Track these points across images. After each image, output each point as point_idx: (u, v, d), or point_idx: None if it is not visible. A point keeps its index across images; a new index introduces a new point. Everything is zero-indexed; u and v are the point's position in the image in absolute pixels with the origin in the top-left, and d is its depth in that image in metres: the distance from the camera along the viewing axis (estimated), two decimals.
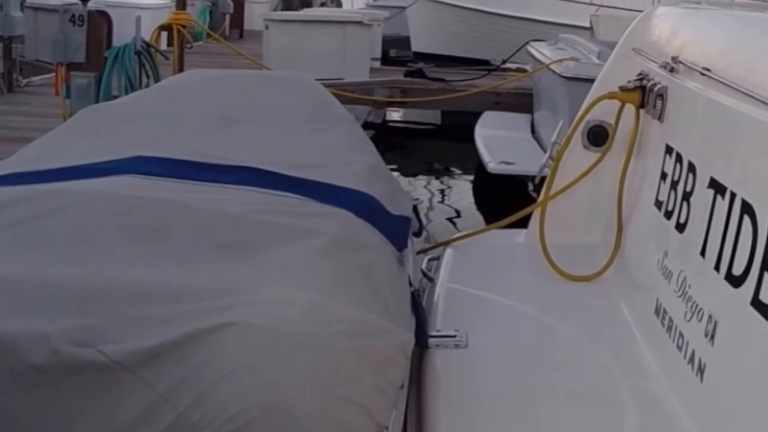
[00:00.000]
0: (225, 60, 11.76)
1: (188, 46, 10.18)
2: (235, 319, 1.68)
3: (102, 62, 7.94)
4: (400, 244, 2.71)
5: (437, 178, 10.87)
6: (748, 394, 1.97)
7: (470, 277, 3.27)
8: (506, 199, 7.44)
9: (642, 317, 2.69)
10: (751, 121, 2.21)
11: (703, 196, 2.44)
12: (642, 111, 3.16)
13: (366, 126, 10.65)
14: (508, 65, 12.91)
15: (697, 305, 2.30)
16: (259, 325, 1.68)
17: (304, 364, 1.65)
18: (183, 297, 1.78)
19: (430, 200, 9.71)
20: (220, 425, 1.53)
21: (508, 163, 8.30)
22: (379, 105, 12.07)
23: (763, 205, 2.06)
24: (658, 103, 3.00)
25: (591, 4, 14.67)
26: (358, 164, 2.90)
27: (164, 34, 10.53)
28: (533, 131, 10.21)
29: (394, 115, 14.31)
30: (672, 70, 2.92)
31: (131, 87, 7.74)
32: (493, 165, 8.33)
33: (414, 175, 10.62)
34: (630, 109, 3.20)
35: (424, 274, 3.36)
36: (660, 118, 3.01)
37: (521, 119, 10.70)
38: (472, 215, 9.17)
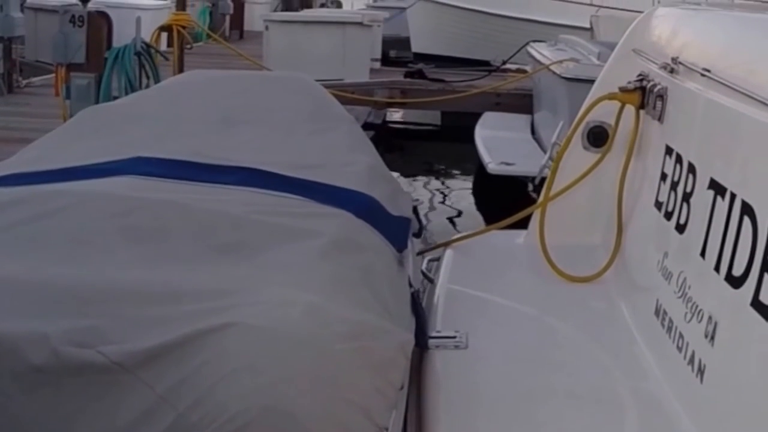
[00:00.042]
0: (225, 61, 11.76)
1: (188, 46, 10.18)
2: (235, 320, 1.68)
3: (102, 63, 7.95)
4: (400, 245, 2.71)
5: (437, 178, 10.88)
6: (748, 395, 1.97)
7: (470, 278, 3.27)
8: (506, 199, 7.44)
9: (642, 318, 2.69)
10: (751, 122, 2.21)
11: (703, 197, 2.44)
12: (642, 112, 3.16)
13: (366, 127, 10.64)
14: (508, 66, 12.93)
15: (697, 306, 2.30)
16: (258, 326, 1.68)
17: (304, 365, 1.65)
18: (183, 298, 1.78)
19: (430, 201, 9.71)
20: (220, 426, 1.53)
21: (508, 164, 8.31)
22: (379, 106, 12.08)
23: (763, 206, 2.05)
24: (658, 103, 3.00)
25: (591, 4, 14.67)
26: (358, 165, 2.90)
27: (164, 35, 10.54)
28: (533, 132, 10.21)
29: (394, 115, 14.31)
30: (672, 70, 2.92)
31: (131, 88, 7.75)
32: (493, 166, 8.33)
33: (414, 176, 10.63)
34: (630, 109, 3.20)
35: (424, 275, 3.35)
36: (660, 118, 3.01)
37: (521, 120, 10.71)
38: (472, 216, 9.18)
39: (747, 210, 2.12)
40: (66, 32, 8.00)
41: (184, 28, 9.99)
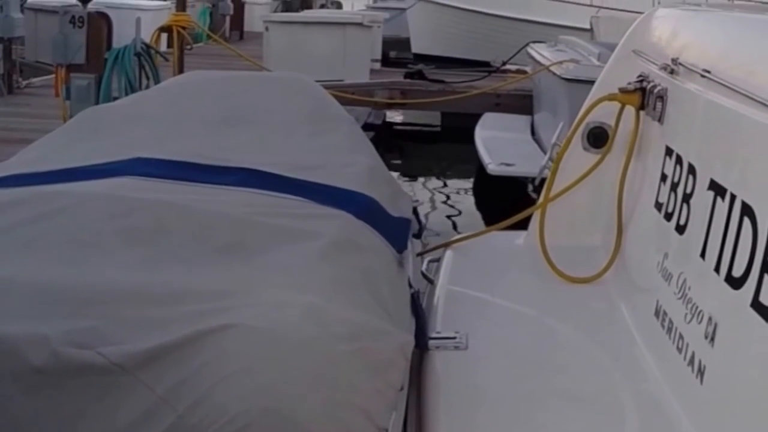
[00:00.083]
0: (225, 61, 11.75)
1: (188, 47, 10.17)
2: (235, 321, 1.68)
3: (102, 64, 7.94)
4: (400, 246, 2.71)
5: (437, 179, 10.87)
6: (748, 396, 1.97)
7: (470, 279, 3.27)
8: (506, 200, 7.45)
9: (642, 319, 2.69)
10: (751, 123, 2.21)
11: (703, 197, 2.44)
12: (642, 113, 3.16)
13: (366, 127, 10.62)
14: (508, 67, 12.92)
15: (697, 307, 2.30)
16: (258, 328, 1.68)
17: (304, 367, 1.65)
18: (182, 299, 1.78)
19: (430, 201, 9.70)
20: (220, 427, 1.53)
21: (508, 165, 8.30)
22: (379, 106, 12.06)
23: (763, 207, 2.05)
24: (658, 104, 3.00)
25: (591, 5, 14.67)
26: (357, 166, 2.90)
27: (164, 36, 10.53)
28: (533, 133, 10.21)
29: (394, 116, 14.30)
30: (672, 71, 2.92)
31: (131, 88, 7.74)
32: (493, 166, 8.33)
33: (414, 177, 10.63)
34: (630, 110, 3.20)
35: (424, 276, 3.35)
36: (660, 119, 3.01)
37: (521, 121, 10.70)
38: (472, 217, 9.17)
39: (747, 211, 2.12)
40: (66, 33, 8.00)
41: (184, 28, 9.98)
